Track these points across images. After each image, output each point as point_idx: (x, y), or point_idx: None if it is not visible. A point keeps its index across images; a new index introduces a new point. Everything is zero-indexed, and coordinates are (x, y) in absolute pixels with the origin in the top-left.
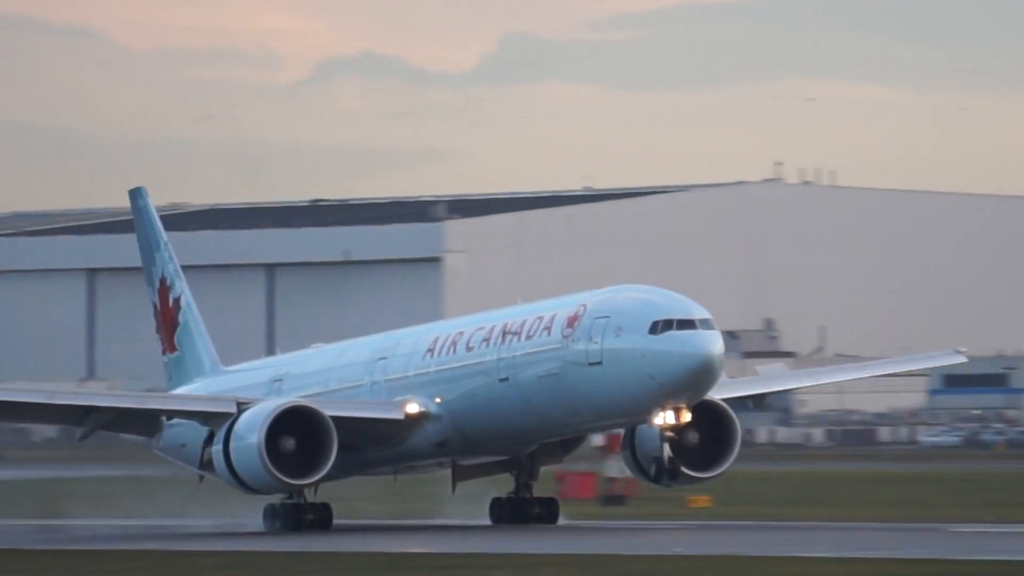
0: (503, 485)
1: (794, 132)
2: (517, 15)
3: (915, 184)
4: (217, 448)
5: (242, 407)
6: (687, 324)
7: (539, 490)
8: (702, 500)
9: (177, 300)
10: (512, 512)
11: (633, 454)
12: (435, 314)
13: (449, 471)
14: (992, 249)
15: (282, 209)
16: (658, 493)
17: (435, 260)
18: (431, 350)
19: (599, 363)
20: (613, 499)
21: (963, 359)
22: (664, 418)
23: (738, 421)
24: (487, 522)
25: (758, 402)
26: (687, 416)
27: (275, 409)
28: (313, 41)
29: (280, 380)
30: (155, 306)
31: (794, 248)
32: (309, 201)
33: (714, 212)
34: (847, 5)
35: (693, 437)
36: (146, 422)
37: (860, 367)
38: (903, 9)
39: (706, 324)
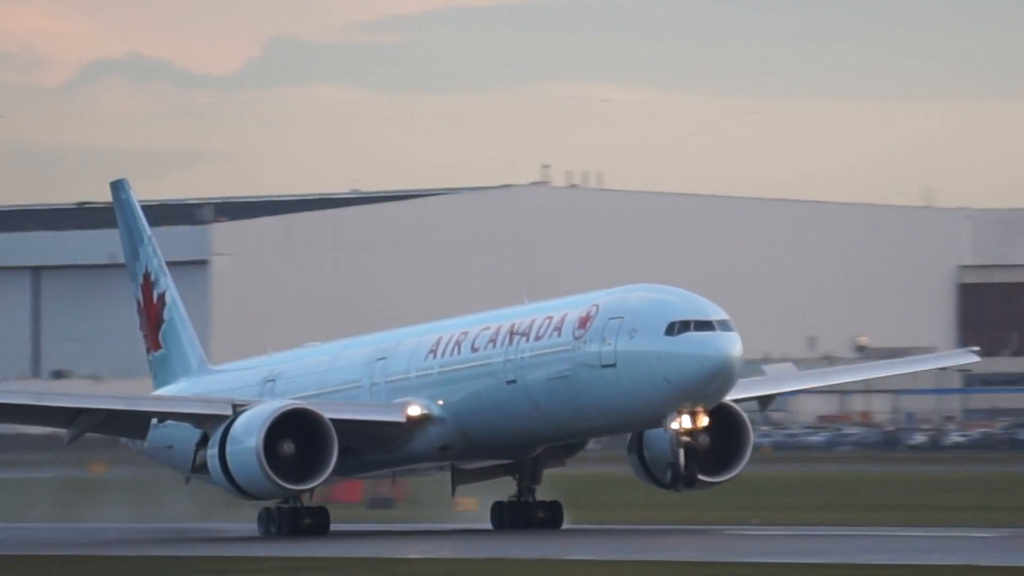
0: (504, 488)
1: (562, 135)
2: (283, 18)
3: (687, 186)
4: (212, 452)
5: (238, 409)
6: (705, 325)
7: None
8: (469, 504)
9: (162, 296)
10: (515, 516)
11: (640, 457)
12: (202, 317)
13: (449, 474)
14: (756, 250)
15: (48, 211)
16: (425, 496)
17: (202, 263)
18: (433, 351)
19: (612, 365)
20: (380, 502)
21: (977, 358)
22: (680, 422)
23: (749, 422)
24: (488, 526)
25: (764, 403)
26: (704, 420)
27: (274, 412)
28: (79, 42)
29: (273, 380)
30: (138, 302)
31: (562, 250)
32: (75, 203)
33: (482, 215)
34: (615, 8)
35: (704, 440)
36: (137, 424)
37: (868, 367)
38: (675, 11)
39: (724, 325)
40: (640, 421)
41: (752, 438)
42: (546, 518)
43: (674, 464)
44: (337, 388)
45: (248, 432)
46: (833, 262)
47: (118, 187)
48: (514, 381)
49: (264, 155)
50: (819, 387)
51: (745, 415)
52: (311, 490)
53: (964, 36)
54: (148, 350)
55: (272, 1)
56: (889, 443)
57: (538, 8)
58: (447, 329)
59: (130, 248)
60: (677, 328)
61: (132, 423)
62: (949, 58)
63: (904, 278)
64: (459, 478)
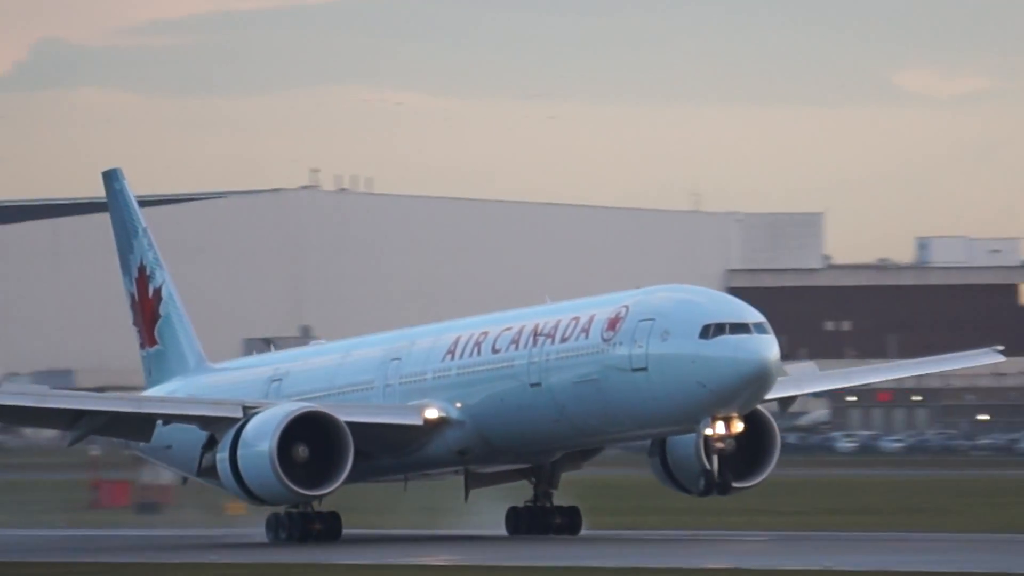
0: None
1: (331, 139)
2: (50, 20)
3: (469, 192)
4: (223, 456)
5: (249, 411)
6: (741, 328)
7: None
8: (238, 508)
9: (158, 291)
10: (531, 522)
11: (663, 461)
12: None
13: (462, 477)
14: (524, 253)
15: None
16: (193, 499)
17: None
18: (451, 351)
19: (644, 369)
20: (148, 507)
21: (1002, 358)
22: (714, 428)
23: (776, 424)
24: (503, 532)
25: (785, 404)
26: (739, 426)
27: (288, 415)
28: None
29: (279, 380)
30: (132, 297)
31: (331, 254)
32: None
33: (250, 219)
34: (390, 10)
35: (730, 444)
36: (141, 426)
37: (892, 367)
38: (462, 16)
39: (760, 328)
40: (671, 426)
41: (779, 440)
42: (564, 524)
43: (707, 471)
44: (348, 389)
45: (261, 436)
46: (602, 265)
47: (111, 177)
48: (538, 384)
49: (30, 158)
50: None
51: (771, 416)
52: (325, 496)
53: (731, 42)
54: (142, 346)
55: (39, 4)
56: None
57: (308, 11)
58: (465, 328)
59: (124, 240)
60: (712, 331)
61: (137, 425)
62: (718, 63)
63: (673, 281)
64: (473, 482)
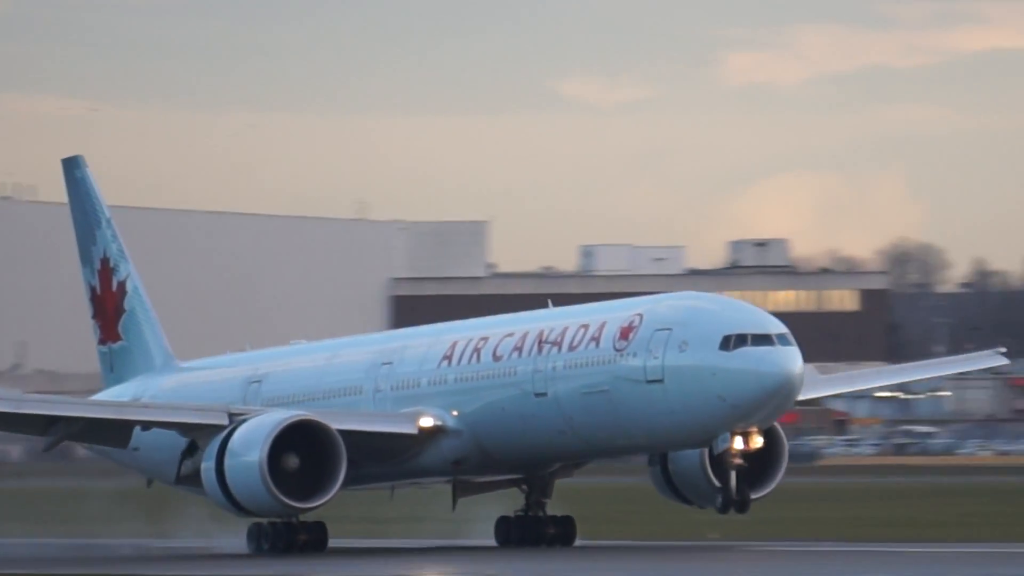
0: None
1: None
2: None
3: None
4: (208, 465)
5: (235, 418)
6: (763, 339)
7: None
8: None
9: (122, 284)
10: (523, 532)
11: (664, 471)
12: None
13: (450, 486)
14: (188, 261)
15: None
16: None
17: None
18: (448, 357)
19: (660, 381)
20: None
21: (1006, 360)
22: (732, 443)
23: (783, 433)
24: (492, 542)
25: None
26: (758, 441)
27: (279, 424)
28: None
29: (258, 382)
30: (94, 290)
31: None
32: None
33: None
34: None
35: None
36: (119, 432)
37: (897, 371)
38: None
39: (783, 339)
40: (687, 441)
41: (787, 448)
42: (557, 534)
43: (724, 488)
44: (334, 393)
45: (250, 445)
46: (266, 274)
47: (72, 164)
48: (544, 394)
49: None
50: None
51: (778, 425)
52: (317, 509)
53: (385, 50)
54: (102, 341)
55: None
56: None
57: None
58: (462, 332)
59: (85, 230)
60: (733, 342)
61: (115, 431)
62: (381, 73)
63: (337, 290)
64: (462, 490)
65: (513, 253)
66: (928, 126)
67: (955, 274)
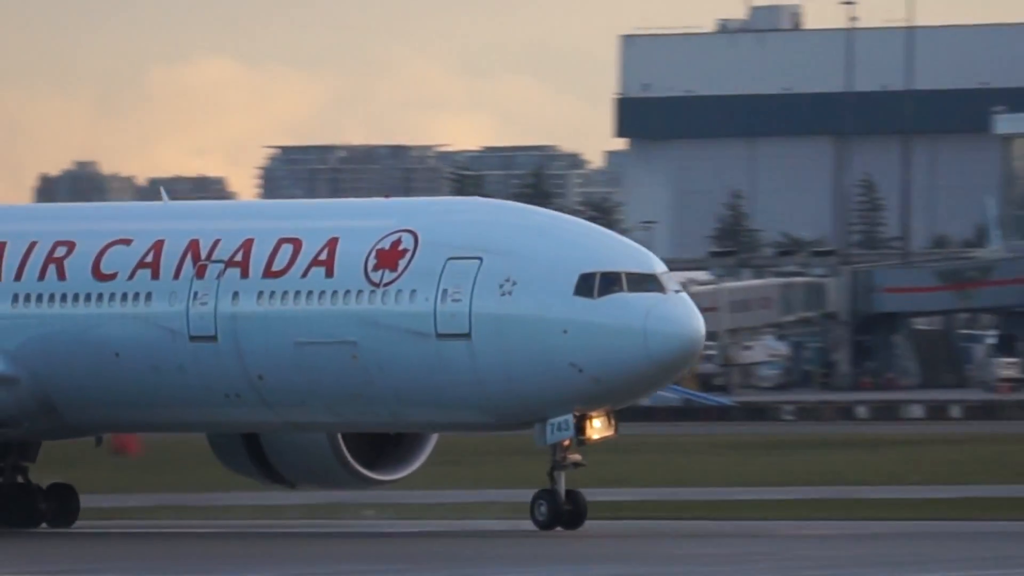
0: None
1: None
2: None
3: None
4: None
5: None
6: (645, 281)
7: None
8: None
9: None
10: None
11: (259, 454)
12: None
13: None
14: None
15: None
16: None
17: None
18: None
19: (464, 336)
20: None
21: None
22: (574, 431)
23: None
24: None
25: None
26: (605, 429)
27: None
28: None
29: None
30: None
31: None
32: None
33: None
34: None
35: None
36: None
37: None
38: None
39: (670, 281)
40: (499, 424)
41: None
42: (56, 510)
43: (552, 492)
44: None
45: None
46: None
47: None
48: (213, 337)
49: None
50: None
51: None
52: None
53: None
54: None
55: None
56: None
57: None
58: (44, 229)
59: None
60: (597, 284)
61: None
62: None
63: None
64: None
65: None
66: None
67: None
